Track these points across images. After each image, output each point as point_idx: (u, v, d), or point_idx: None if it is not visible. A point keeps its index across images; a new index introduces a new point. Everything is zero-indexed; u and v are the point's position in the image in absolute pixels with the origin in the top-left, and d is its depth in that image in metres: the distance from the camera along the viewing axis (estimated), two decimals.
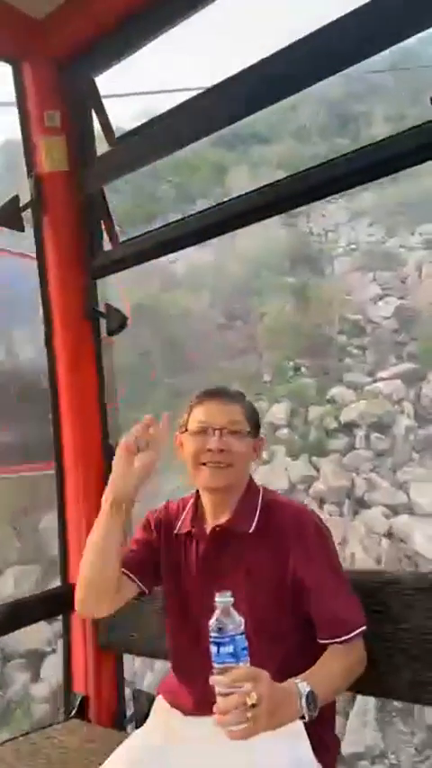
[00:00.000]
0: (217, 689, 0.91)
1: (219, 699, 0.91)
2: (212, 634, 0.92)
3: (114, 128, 1.94)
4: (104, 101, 1.96)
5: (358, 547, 8.10)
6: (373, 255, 13.70)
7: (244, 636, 0.92)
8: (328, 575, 1.18)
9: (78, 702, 1.69)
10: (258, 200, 1.61)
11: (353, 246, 14.44)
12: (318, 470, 10.08)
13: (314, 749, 1.09)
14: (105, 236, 2.01)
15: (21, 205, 1.93)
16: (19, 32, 1.86)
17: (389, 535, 8.41)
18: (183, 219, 1.80)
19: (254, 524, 1.21)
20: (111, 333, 2.01)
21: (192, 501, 1.32)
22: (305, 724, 1.08)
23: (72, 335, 1.95)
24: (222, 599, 0.93)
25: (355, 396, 11.05)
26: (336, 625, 1.13)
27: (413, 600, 1.21)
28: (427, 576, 1.28)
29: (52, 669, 9.80)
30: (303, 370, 11.91)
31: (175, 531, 1.30)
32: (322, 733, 1.14)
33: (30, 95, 1.94)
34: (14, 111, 2.02)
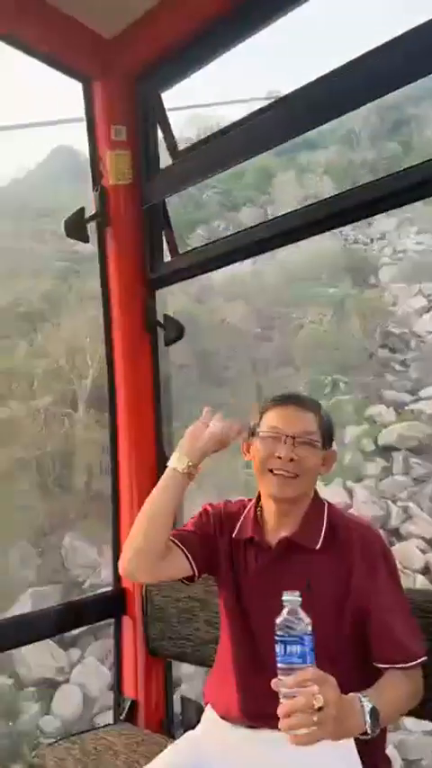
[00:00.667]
0: (281, 690, 0.88)
1: (282, 701, 0.88)
2: (278, 632, 0.89)
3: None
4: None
5: None
6: (421, 265, 13.30)
7: (312, 638, 0.90)
8: (391, 598, 1.15)
9: (128, 706, 1.77)
10: (316, 214, 1.62)
11: (399, 256, 13.93)
12: (351, 496, 9.67)
13: None
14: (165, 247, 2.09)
15: (86, 217, 2.03)
16: (90, 51, 1.95)
17: (425, 572, 7.90)
18: (240, 232, 1.84)
19: (321, 540, 1.20)
20: (168, 343, 2.08)
21: (252, 505, 1.29)
22: (356, 745, 1.09)
23: (131, 347, 2.02)
24: (291, 597, 0.91)
25: (396, 415, 10.55)
26: (396, 650, 1.11)
27: None
28: None
29: (65, 701, 9.85)
30: (342, 386, 11.50)
31: (234, 535, 1.28)
32: (374, 754, 1.14)
33: (98, 111, 2.02)
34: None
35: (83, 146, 2.18)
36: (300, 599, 0.92)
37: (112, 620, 1.88)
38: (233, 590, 1.27)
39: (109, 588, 1.90)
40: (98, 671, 10.68)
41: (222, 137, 1.79)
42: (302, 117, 1.53)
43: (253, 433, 1.25)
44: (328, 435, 1.25)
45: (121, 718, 1.76)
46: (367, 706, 0.96)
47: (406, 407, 10.53)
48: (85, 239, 2.06)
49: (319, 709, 0.86)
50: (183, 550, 1.26)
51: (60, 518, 13.55)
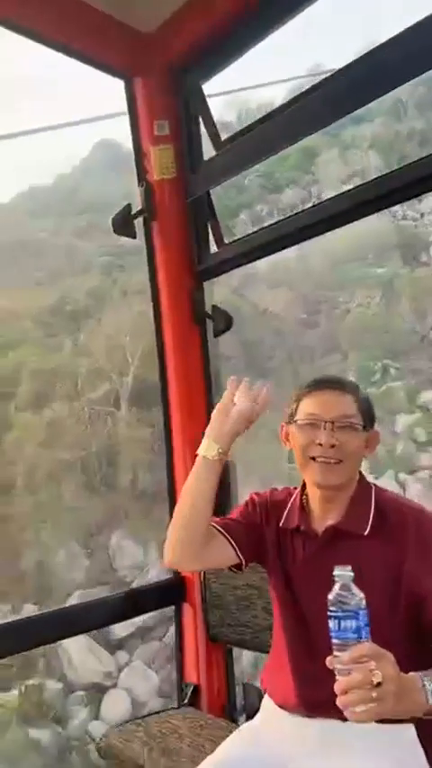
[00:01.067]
0: (337, 667, 0.88)
1: (338, 678, 0.87)
2: (332, 608, 0.89)
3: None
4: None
5: None
6: None
7: (366, 612, 0.89)
8: None
9: (191, 692, 1.83)
10: (363, 195, 1.63)
11: None
12: (404, 489, 9.34)
13: (429, 761, 1.09)
14: (211, 237, 2.13)
15: (132, 213, 2.09)
16: (130, 48, 2.01)
17: None
18: (285, 219, 1.87)
19: (369, 526, 1.18)
20: (217, 334, 2.13)
21: (297, 494, 1.29)
22: (419, 735, 1.09)
23: (181, 339, 2.08)
24: (342, 572, 0.91)
25: None
26: None
27: None
28: None
29: (114, 705, 9.90)
30: (392, 371, 11.03)
31: (281, 524, 1.28)
32: None
33: (140, 107, 2.08)
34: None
35: (124, 138, 2.22)
36: (352, 573, 0.91)
37: (172, 609, 1.94)
38: (282, 578, 1.27)
39: (169, 576, 1.95)
40: (146, 674, 10.74)
41: (264, 123, 1.82)
42: (347, 96, 1.54)
43: (290, 421, 1.24)
44: (368, 416, 1.23)
45: (185, 702, 1.82)
46: (429, 685, 0.93)
47: None
48: (133, 235, 2.12)
49: (378, 684, 0.85)
50: (227, 538, 1.27)
51: (107, 517, 13.83)
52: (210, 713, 1.79)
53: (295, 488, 1.32)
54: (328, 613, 0.90)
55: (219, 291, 2.28)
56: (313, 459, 1.18)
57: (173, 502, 1.98)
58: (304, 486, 1.28)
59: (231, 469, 2.09)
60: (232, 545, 1.27)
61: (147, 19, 1.95)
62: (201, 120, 2.06)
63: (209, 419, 2.03)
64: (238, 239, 2.05)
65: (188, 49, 1.92)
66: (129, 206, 2.10)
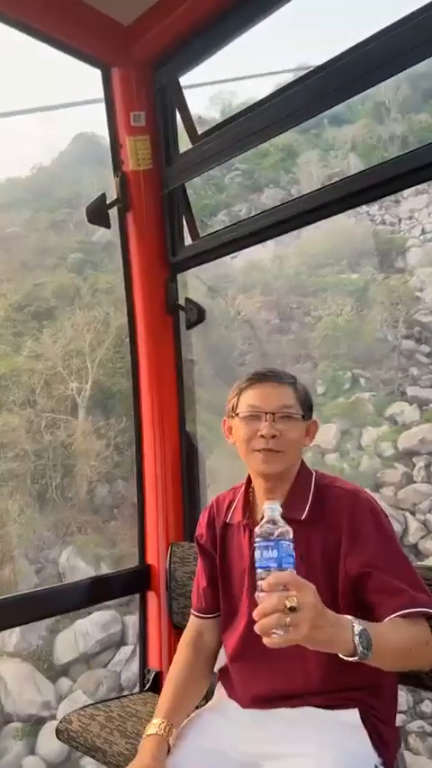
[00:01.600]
0: (258, 596, 0.91)
1: (260, 603, 0.91)
2: (256, 539, 0.94)
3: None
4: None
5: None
6: None
7: (291, 546, 0.93)
8: (385, 557, 1.16)
9: (153, 677, 1.86)
10: (338, 191, 1.72)
11: (429, 236, 13.32)
12: None
13: (373, 743, 1.15)
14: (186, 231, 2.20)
15: (107, 203, 2.14)
16: (108, 39, 2.08)
17: None
18: (260, 214, 1.95)
19: (306, 511, 1.23)
20: (190, 326, 2.19)
21: (243, 489, 1.34)
22: (363, 719, 1.15)
23: (154, 329, 2.14)
24: (271, 505, 0.97)
25: (420, 413, 9.93)
26: (395, 600, 1.10)
27: None
28: None
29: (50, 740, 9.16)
30: (362, 382, 11.07)
31: (227, 520, 1.34)
32: (382, 727, 1.18)
33: (117, 97, 2.15)
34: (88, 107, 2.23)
35: (104, 130, 2.27)
36: (280, 508, 0.98)
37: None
38: (227, 576, 1.33)
39: (135, 565, 1.98)
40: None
41: (241, 118, 1.90)
42: (325, 92, 1.63)
43: (232, 415, 1.29)
44: (307, 406, 1.29)
45: (147, 688, 1.85)
46: (358, 627, 0.96)
47: (431, 405, 10.04)
48: (107, 225, 2.18)
49: (292, 609, 0.88)
50: (213, 617, 1.38)
51: (59, 531, 13.54)
52: None
53: (242, 484, 1.37)
54: (254, 545, 0.95)
55: (190, 291, 2.34)
56: (256, 450, 1.23)
57: (141, 486, 2.03)
58: (249, 481, 1.34)
59: (201, 463, 2.15)
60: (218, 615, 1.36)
61: (126, 11, 2.01)
62: (178, 112, 2.13)
63: (180, 407, 2.10)
64: (213, 232, 2.12)
65: (166, 42, 2.00)
66: (103, 195, 2.16)
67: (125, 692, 1.72)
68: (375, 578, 1.13)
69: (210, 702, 1.38)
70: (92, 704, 1.68)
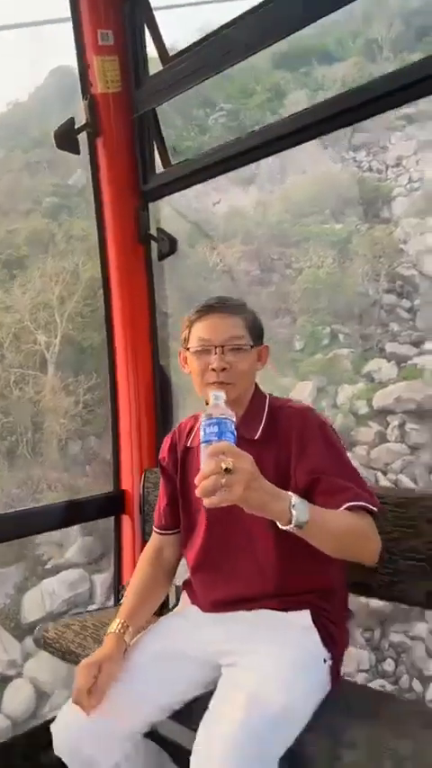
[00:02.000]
0: (202, 469, 0.99)
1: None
2: (202, 420, 1.03)
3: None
4: (157, 16, 2.09)
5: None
6: None
7: (233, 425, 1.03)
8: (330, 461, 1.21)
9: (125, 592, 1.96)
10: (314, 115, 1.72)
11: (415, 185, 12.54)
12: None
13: (323, 641, 1.25)
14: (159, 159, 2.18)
15: (76, 128, 2.10)
16: None
17: None
18: (233, 140, 1.94)
19: (259, 431, 1.29)
20: (162, 257, 2.20)
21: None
22: (314, 620, 1.26)
23: (125, 258, 2.15)
24: (217, 392, 1.10)
25: (397, 371, 9.71)
26: (340, 495, 1.16)
27: None
28: None
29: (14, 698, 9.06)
30: (341, 337, 10.90)
31: (188, 444, 1.42)
32: (332, 627, 1.27)
33: (84, 15, 2.10)
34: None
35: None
36: (224, 395, 1.09)
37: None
38: (186, 495, 1.40)
39: (110, 489, 2.05)
40: (53, 663, 10.28)
41: (213, 38, 1.87)
42: (299, 11, 1.61)
43: (185, 347, 1.33)
44: (257, 333, 1.32)
45: (120, 602, 1.94)
46: (296, 499, 1.03)
47: (409, 362, 9.82)
48: (76, 150, 2.15)
49: (227, 470, 0.95)
50: (174, 533, 1.47)
51: (28, 489, 13.52)
52: None
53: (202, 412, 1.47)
54: (200, 426, 1.04)
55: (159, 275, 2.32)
56: (209, 383, 1.27)
57: (115, 416, 2.08)
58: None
59: (174, 393, 2.20)
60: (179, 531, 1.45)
61: None
62: (148, 32, 2.08)
63: (153, 337, 2.13)
64: (185, 160, 2.11)
65: None
66: (72, 120, 2.12)
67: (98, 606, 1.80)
68: (322, 482, 1.19)
69: (174, 610, 1.50)
70: (69, 615, 1.77)
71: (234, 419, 1.05)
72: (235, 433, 1.04)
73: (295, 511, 1.03)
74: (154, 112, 2.16)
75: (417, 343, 9.93)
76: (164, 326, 2.26)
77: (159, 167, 2.18)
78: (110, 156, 2.14)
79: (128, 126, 2.14)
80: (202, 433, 1.03)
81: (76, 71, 2.15)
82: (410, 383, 9.25)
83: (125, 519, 2.06)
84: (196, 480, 0.98)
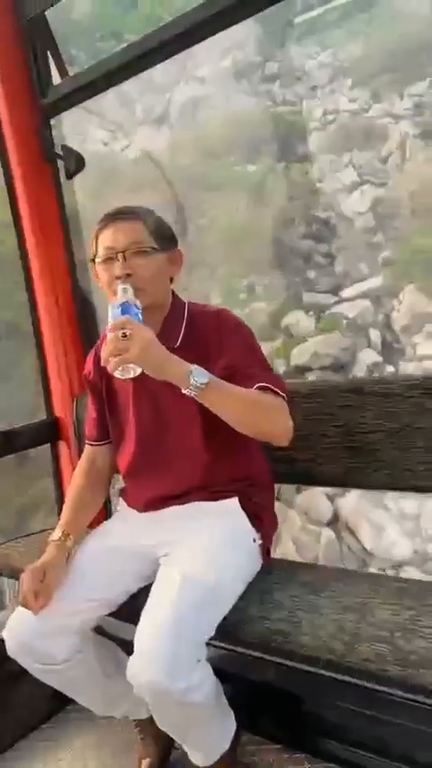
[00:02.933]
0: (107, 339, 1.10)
1: None
2: (110, 307, 1.14)
3: None
4: None
5: (290, 544, 6.82)
6: (352, 130, 11.24)
7: (138, 311, 1.14)
8: (244, 355, 1.26)
9: None
10: (209, 10, 1.66)
11: (329, 117, 11.81)
12: None
13: (251, 522, 1.34)
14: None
15: None
16: None
17: (332, 524, 6.91)
18: (133, 42, 1.85)
19: (180, 338, 1.31)
20: (70, 175, 2.13)
21: None
22: (242, 505, 1.34)
23: (31, 179, 2.07)
24: (122, 286, 1.18)
25: (315, 323, 9.25)
26: (252, 380, 1.22)
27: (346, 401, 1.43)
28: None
29: None
30: (259, 290, 10.33)
31: None
32: (259, 509, 1.37)
33: None
34: None
35: None
36: (131, 288, 1.19)
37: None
38: (114, 405, 1.45)
39: (43, 418, 2.07)
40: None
41: None
42: None
43: (93, 260, 1.33)
44: (165, 236, 1.31)
45: None
46: (195, 368, 1.13)
47: (327, 312, 9.37)
48: None
49: (124, 335, 1.08)
50: (105, 444, 1.52)
51: None
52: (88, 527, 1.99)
53: None
54: (108, 312, 1.14)
55: (74, 191, 2.23)
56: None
57: (39, 341, 2.08)
58: None
59: (98, 316, 2.20)
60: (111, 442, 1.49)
61: None
62: None
63: (70, 258, 2.10)
64: (84, 70, 2.01)
65: None
66: None
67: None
68: (237, 374, 1.24)
69: (112, 516, 1.56)
70: (12, 539, 1.82)
71: (139, 306, 1.12)
72: (140, 316, 1.12)
73: (195, 372, 1.12)
74: (44, 19, 2.03)
75: (335, 290, 9.53)
76: (77, 215, 2.22)
77: (57, 79, 2.08)
78: (2, 68, 2.02)
79: (18, 34, 2.01)
80: (109, 315, 1.11)
81: None
82: (327, 337, 8.92)
83: (62, 445, 2.09)
84: (101, 352, 1.09)
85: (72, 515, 1.44)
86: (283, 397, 1.24)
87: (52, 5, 1.98)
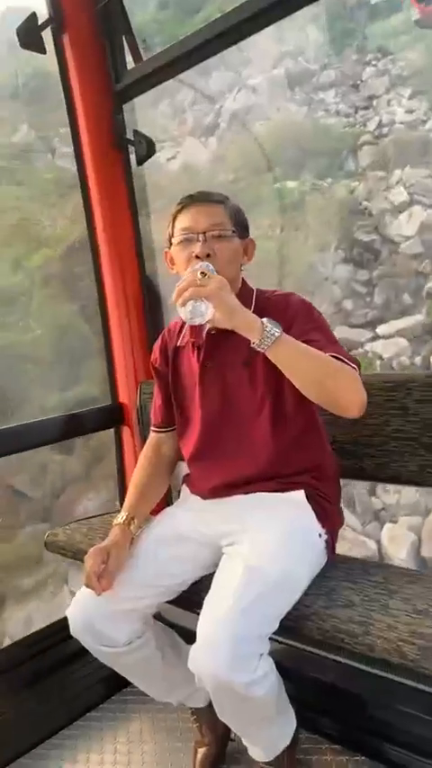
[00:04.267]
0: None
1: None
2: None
3: None
4: None
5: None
6: (405, 143, 9.89)
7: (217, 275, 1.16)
8: (316, 331, 1.24)
9: None
10: None
11: (384, 130, 10.59)
12: None
13: (317, 516, 1.30)
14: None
15: (39, 24, 1.99)
16: None
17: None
18: (205, 25, 1.83)
19: None
20: (141, 161, 2.14)
21: None
22: (308, 498, 1.31)
23: (103, 165, 2.09)
24: (204, 263, 1.19)
25: None
26: (325, 349, 1.19)
27: (425, 396, 1.37)
28: None
29: None
30: None
31: (178, 344, 1.44)
32: (326, 504, 1.33)
33: None
34: None
35: None
36: (211, 266, 1.19)
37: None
38: (182, 389, 1.44)
39: (108, 402, 2.11)
40: None
41: None
42: None
43: (170, 244, 1.33)
44: (241, 224, 1.33)
45: None
46: (267, 319, 1.13)
47: (360, 349, 8.40)
48: (42, 49, 2.04)
49: (203, 274, 1.10)
50: (171, 429, 1.52)
51: None
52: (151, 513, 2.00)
53: None
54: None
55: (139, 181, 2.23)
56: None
57: (106, 325, 2.10)
58: None
59: (164, 305, 2.20)
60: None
61: None
62: None
63: (137, 246, 2.11)
64: (159, 53, 2.00)
65: None
66: (34, 15, 2.00)
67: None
68: (311, 345, 1.19)
69: (175, 503, 1.55)
70: (77, 520, 1.85)
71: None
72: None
73: (267, 323, 1.12)
74: (120, 3, 2.03)
75: (372, 325, 8.58)
76: (146, 201, 2.24)
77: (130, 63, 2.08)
78: (78, 54, 2.03)
79: (94, 18, 2.02)
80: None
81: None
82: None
83: (125, 430, 2.11)
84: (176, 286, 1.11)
85: (136, 500, 1.45)
86: (356, 369, 1.20)
87: None
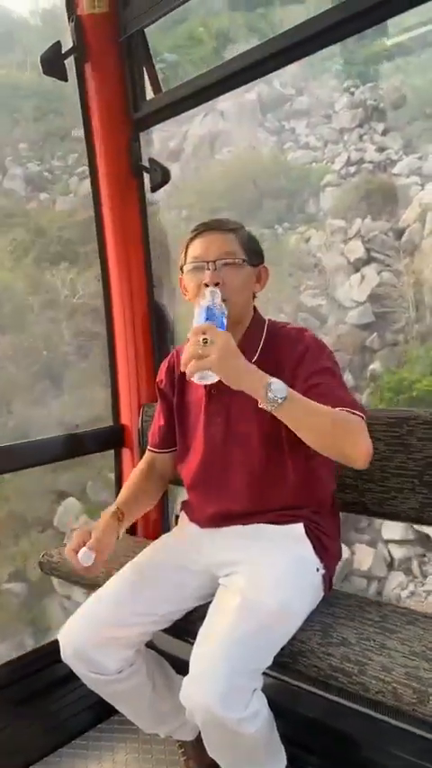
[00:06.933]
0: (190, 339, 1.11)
1: None
2: (195, 310, 1.15)
3: None
4: None
5: None
6: (370, 189, 8.88)
7: (222, 315, 1.15)
8: (324, 373, 1.23)
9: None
10: (308, 31, 1.66)
11: (351, 169, 9.28)
12: None
13: (316, 551, 1.29)
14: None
15: (63, 52, 2.04)
16: None
17: None
18: (230, 59, 1.88)
19: (257, 353, 1.30)
20: (155, 188, 2.17)
21: None
22: (307, 532, 1.30)
23: (118, 191, 2.12)
24: (211, 289, 1.20)
25: None
26: (332, 397, 1.18)
27: (427, 433, 1.37)
28: None
29: None
30: None
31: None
32: (324, 539, 1.33)
33: None
34: None
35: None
36: (219, 292, 1.21)
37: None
38: (184, 416, 1.44)
39: (110, 423, 2.11)
40: None
41: None
42: None
43: (182, 271, 1.35)
44: (253, 252, 1.33)
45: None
46: (274, 381, 1.10)
47: None
48: (64, 77, 2.09)
49: (205, 341, 1.07)
50: (169, 452, 1.52)
51: None
52: (146, 538, 1.99)
53: None
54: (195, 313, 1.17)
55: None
56: None
57: (112, 348, 2.11)
58: None
59: (170, 330, 2.22)
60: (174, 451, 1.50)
61: None
62: None
63: (147, 271, 2.13)
64: (178, 85, 2.05)
65: None
66: (59, 44, 2.06)
67: None
68: (319, 387, 1.21)
69: (172, 530, 1.55)
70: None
71: (225, 311, 1.13)
72: (224, 322, 1.12)
73: (273, 386, 1.09)
74: (142, 34, 2.10)
75: None
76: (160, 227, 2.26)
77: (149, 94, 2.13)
78: (99, 82, 2.08)
79: (116, 49, 2.08)
80: (194, 319, 1.13)
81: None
82: None
83: (125, 452, 2.10)
84: (183, 356, 1.10)
85: (127, 498, 1.45)
86: (362, 418, 1.19)
87: (153, 23, 2.04)
